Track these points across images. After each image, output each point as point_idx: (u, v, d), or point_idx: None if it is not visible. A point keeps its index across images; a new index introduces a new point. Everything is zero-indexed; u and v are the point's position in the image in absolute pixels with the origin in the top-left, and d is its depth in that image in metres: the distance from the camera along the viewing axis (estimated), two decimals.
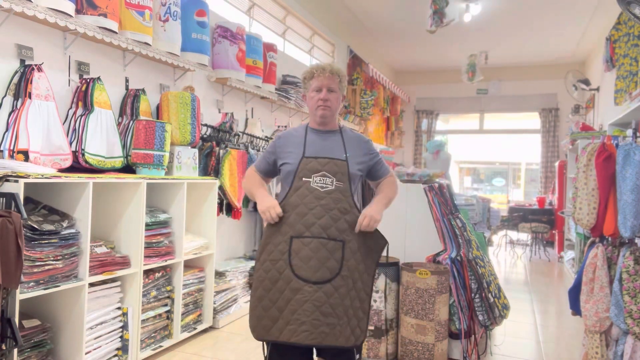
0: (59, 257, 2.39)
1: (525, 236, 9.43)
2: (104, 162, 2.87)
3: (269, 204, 1.97)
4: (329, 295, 1.88)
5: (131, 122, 3.15)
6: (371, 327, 3.01)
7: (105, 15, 2.86)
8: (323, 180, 1.97)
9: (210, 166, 3.77)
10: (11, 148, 2.37)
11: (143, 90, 3.30)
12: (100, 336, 2.68)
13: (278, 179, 2.45)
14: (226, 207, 3.95)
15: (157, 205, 3.32)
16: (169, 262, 3.15)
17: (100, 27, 2.86)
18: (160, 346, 3.13)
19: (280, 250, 1.95)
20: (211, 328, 3.67)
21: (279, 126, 5.37)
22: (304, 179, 1.98)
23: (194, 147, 3.57)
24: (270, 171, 2.17)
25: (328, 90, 2.03)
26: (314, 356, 2.05)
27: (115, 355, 2.80)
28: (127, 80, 3.33)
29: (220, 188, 3.77)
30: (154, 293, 3.07)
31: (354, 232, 1.98)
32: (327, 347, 1.88)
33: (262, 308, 1.94)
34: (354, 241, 1.97)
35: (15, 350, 2.15)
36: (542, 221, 8.19)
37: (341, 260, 1.93)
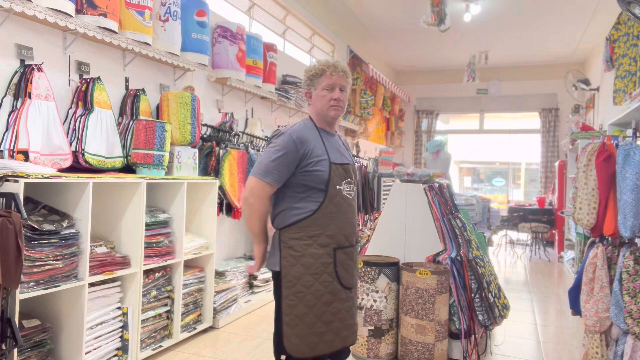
0: (59, 257, 2.39)
1: (525, 236, 9.44)
2: (104, 162, 2.87)
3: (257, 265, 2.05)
4: (355, 295, 2.01)
5: (131, 122, 3.15)
6: (371, 327, 3.00)
7: (105, 15, 2.86)
8: (349, 187, 1.95)
9: (210, 166, 3.77)
10: (11, 148, 2.37)
11: (143, 90, 3.30)
12: (100, 336, 2.68)
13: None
14: (226, 207, 3.95)
15: (157, 205, 3.32)
16: (169, 262, 3.15)
17: (100, 27, 2.85)
18: (160, 346, 3.13)
19: (322, 263, 1.85)
20: (211, 328, 3.67)
21: (279, 126, 5.37)
22: (337, 187, 1.90)
23: (194, 147, 3.56)
24: (286, 179, 1.93)
25: (340, 90, 1.94)
26: None
27: (115, 355, 2.80)
28: (127, 80, 3.33)
29: (220, 188, 3.77)
30: (154, 293, 3.07)
31: None
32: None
33: (305, 325, 1.82)
34: None
35: (15, 350, 2.15)
36: (542, 221, 8.19)
37: (356, 261, 2.04)
